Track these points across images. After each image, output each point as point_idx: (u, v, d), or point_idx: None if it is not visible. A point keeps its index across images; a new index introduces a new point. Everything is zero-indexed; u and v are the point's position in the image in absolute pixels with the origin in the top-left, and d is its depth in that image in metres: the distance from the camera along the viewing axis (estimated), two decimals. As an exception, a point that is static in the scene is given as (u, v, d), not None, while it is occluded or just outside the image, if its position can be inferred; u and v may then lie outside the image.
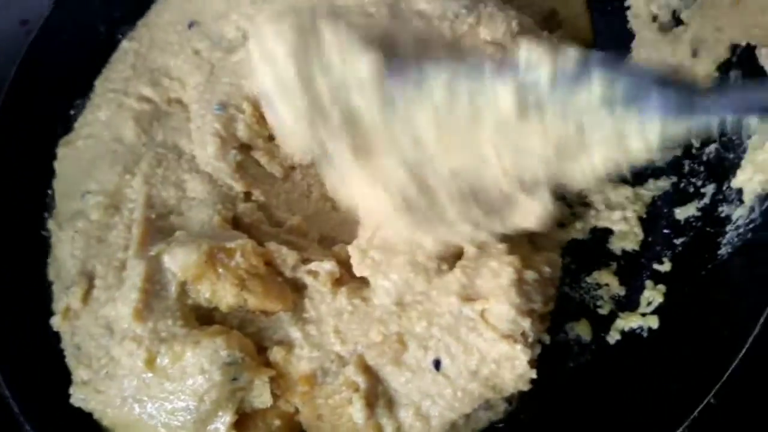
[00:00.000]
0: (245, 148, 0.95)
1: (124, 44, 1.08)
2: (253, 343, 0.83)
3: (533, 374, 0.74)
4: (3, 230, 0.97)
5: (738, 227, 0.80)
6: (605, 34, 0.98)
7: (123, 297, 0.83)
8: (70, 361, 0.87)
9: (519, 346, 0.74)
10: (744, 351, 0.69)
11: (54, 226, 0.97)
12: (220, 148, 0.93)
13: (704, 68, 0.87)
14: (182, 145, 0.97)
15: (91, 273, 0.90)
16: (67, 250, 0.94)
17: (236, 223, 0.91)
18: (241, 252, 0.83)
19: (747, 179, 0.81)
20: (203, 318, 0.84)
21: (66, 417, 0.85)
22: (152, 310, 0.82)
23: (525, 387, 0.75)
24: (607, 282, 0.86)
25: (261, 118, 0.94)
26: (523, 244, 0.83)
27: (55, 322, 0.89)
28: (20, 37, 1.20)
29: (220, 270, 0.82)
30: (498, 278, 0.76)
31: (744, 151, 0.82)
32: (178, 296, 0.83)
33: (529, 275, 0.77)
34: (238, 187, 0.92)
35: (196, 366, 0.79)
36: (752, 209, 0.79)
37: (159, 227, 0.90)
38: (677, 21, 0.93)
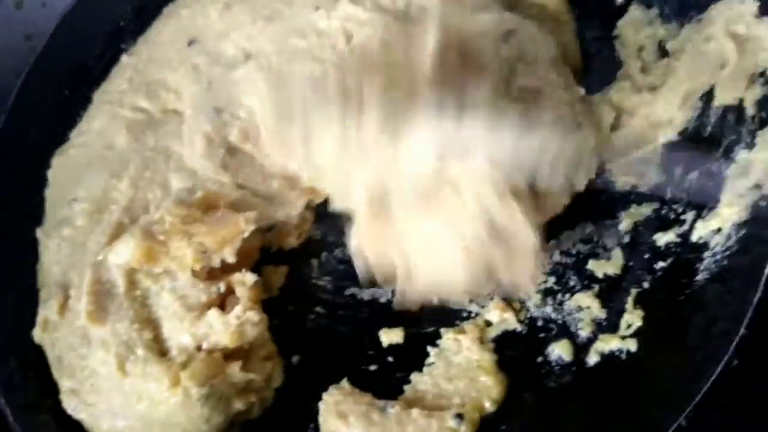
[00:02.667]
0: (234, 150, 0.96)
1: (124, 59, 1.10)
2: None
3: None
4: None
5: (715, 254, 0.82)
6: (594, 61, 1.00)
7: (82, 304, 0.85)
8: (55, 372, 0.89)
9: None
10: (715, 375, 0.71)
11: (42, 235, 0.98)
12: (208, 147, 0.95)
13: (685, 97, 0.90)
14: (173, 146, 0.98)
15: (68, 283, 0.91)
16: (52, 258, 0.95)
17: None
18: (166, 212, 0.85)
19: (725, 206, 0.84)
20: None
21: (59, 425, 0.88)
22: (107, 311, 0.84)
23: None
24: (589, 305, 0.88)
25: (256, 129, 0.95)
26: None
27: (36, 334, 0.91)
28: (25, 52, 1.23)
29: (161, 237, 0.84)
30: None
31: (723, 180, 0.85)
32: (126, 290, 0.85)
33: None
34: (223, 179, 0.94)
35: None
36: (729, 236, 0.81)
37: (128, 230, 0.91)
38: (663, 52, 0.96)
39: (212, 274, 0.87)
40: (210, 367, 0.81)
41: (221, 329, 0.83)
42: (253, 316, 0.84)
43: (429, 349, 0.89)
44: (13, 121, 1.07)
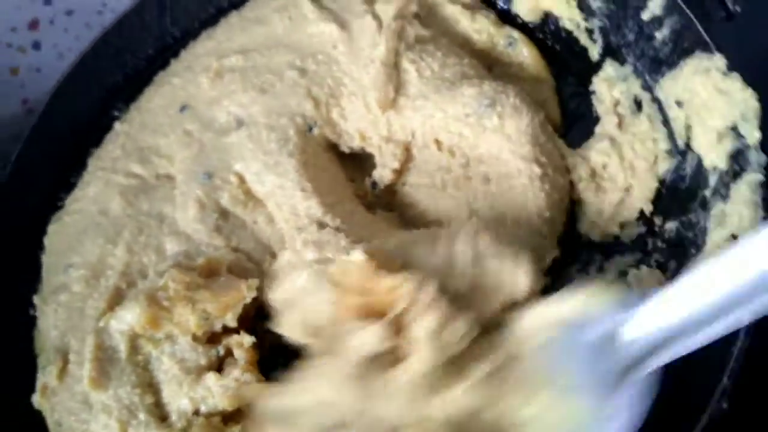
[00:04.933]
0: (226, 214, 0.98)
1: (116, 126, 1.13)
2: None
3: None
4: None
5: (697, 302, 0.85)
6: (572, 117, 1.04)
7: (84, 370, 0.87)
8: None
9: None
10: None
11: (39, 301, 1.00)
12: (200, 211, 0.96)
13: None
14: (166, 211, 1.00)
15: (67, 348, 0.93)
16: (50, 323, 0.97)
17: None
18: (171, 279, 0.87)
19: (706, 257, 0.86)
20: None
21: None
22: (109, 377, 0.86)
23: None
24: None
25: (247, 193, 0.98)
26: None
27: (35, 400, 0.92)
28: (21, 117, 1.27)
29: (166, 303, 0.87)
30: None
31: (703, 232, 0.88)
32: (128, 355, 0.87)
33: None
34: (218, 242, 0.96)
35: None
36: (709, 286, 0.84)
37: (127, 294, 0.94)
38: (638, 106, 0.99)
39: (212, 337, 0.89)
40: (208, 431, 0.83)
41: (219, 392, 0.84)
42: (251, 377, 0.86)
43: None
44: (11, 186, 1.09)
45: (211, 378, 0.85)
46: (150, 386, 0.87)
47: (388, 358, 0.69)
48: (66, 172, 1.12)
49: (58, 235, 1.05)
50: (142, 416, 0.85)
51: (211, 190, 0.98)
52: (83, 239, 1.01)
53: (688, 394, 0.78)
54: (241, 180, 0.99)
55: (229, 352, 0.89)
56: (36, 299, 1.01)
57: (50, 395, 0.92)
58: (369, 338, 0.69)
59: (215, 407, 0.85)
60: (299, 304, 0.77)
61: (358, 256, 0.72)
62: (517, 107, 0.94)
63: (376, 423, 0.68)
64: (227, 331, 0.89)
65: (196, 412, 0.85)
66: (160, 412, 0.86)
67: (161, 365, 0.87)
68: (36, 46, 1.31)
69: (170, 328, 0.87)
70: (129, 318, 0.87)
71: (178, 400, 0.86)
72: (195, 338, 0.87)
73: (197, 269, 0.91)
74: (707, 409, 0.75)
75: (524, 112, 0.94)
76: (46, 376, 0.92)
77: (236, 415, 0.86)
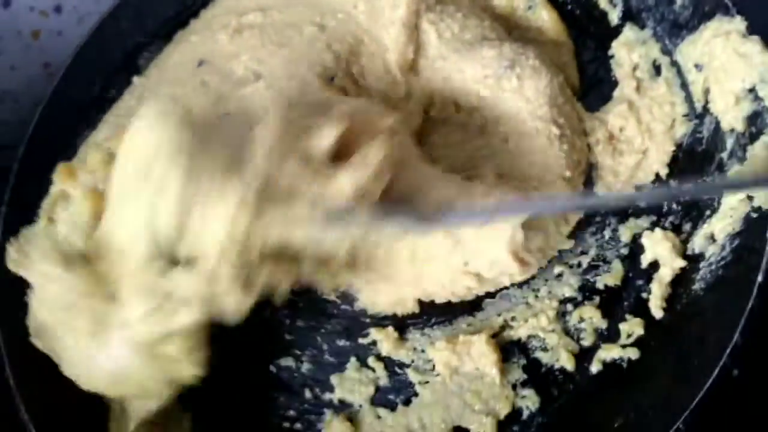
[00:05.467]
0: None
1: (135, 80, 1.13)
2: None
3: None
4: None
5: (710, 264, 0.85)
6: (591, 81, 1.04)
7: None
8: None
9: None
10: (710, 381, 0.74)
11: None
12: None
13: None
14: None
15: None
16: None
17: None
18: None
19: (720, 219, 0.87)
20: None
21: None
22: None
23: None
24: (591, 315, 0.91)
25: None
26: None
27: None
28: (43, 80, 1.28)
29: None
30: None
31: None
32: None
33: None
34: None
35: None
36: (723, 247, 0.85)
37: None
38: (657, 70, 0.99)
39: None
40: None
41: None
42: None
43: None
44: (32, 149, 1.11)
45: None
46: None
47: None
48: (88, 133, 1.13)
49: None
50: None
51: None
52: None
53: (702, 352, 0.79)
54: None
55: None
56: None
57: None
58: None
59: None
60: None
61: None
62: (537, 68, 0.94)
63: None
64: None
65: None
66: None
67: None
68: (57, 9, 1.31)
69: None
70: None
71: None
72: None
73: None
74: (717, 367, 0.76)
75: (543, 73, 0.94)
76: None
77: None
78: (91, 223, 0.87)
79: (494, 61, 0.94)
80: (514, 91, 0.94)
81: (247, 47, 1.05)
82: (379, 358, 0.95)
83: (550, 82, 0.94)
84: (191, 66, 1.09)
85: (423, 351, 0.93)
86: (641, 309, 0.89)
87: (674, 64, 0.97)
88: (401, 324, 0.95)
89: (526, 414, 0.88)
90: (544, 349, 0.91)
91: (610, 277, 0.92)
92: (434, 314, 0.95)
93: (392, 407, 0.92)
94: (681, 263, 0.88)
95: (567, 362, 0.89)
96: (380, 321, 0.96)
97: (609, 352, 0.88)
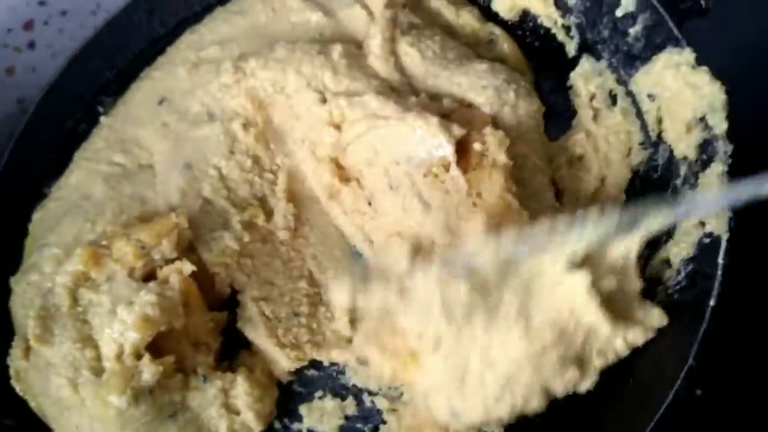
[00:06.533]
0: (209, 202, 1.00)
1: (102, 119, 1.14)
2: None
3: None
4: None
5: (667, 288, 0.88)
6: (550, 111, 1.06)
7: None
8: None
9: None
10: (666, 404, 0.76)
11: (12, 282, 1.00)
12: (183, 199, 0.99)
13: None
14: (148, 195, 1.02)
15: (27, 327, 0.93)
16: (19, 304, 0.97)
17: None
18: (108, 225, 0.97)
19: (674, 244, 0.89)
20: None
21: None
22: (52, 332, 0.89)
23: None
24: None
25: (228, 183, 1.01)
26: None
27: (16, 387, 0.94)
28: (17, 115, 1.29)
29: (104, 243, 0.93)
30: None
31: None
32: (69, 308, 0.90)
33: None
34: None
35: None
36: (678, 272, 0.87)
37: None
38: (613, 100, 1.02)
39: (152, 274, 0.92)
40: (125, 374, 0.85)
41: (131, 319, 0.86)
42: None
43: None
44: (4, 181, 1.11)
45: (123, 311, 0.87)
46: (90, 339, 0.89)
47: None
48: (56, 167, 1.13)
49: (41, 220, 1.06)
50: (85, 372, 0.87)
51: (192, 181, 1.00)
52: (63, 221, 1.01)
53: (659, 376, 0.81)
54: (221, 175, 1.01)
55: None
56: (11, 281, 1.01)
57: (23, 378, 0.93)
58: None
59: (132, 340, 0.86)
60: None
61: None
62: (530, 92, 0.99)
63: None
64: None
65: (120, 354, 0.87)
66: (100, 367, 0.88)
67: (101, 309, 0.89)
68: (31, 45, 1.33)
69: (111, 266, 0.90)
70: (70, 267, 0.91)
71: (109, 347, 0.87)
72: (133, 274, 0.90)
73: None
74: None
75: (535, 97, 0.99)
76: (14, 360, 0.93)
77: (164, 346, 0.89)
78: None
79: (489, 74, 0.98)
80: (513, 107, 0.97)
81: (203, 83, 1.07)
82: (347, 387, 0.96)
83: (539, 108, 0.99)
84: (153, 104, 1.10)
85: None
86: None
87: (629, 94, 1.00)
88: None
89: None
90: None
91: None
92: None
93: (360, 436, 0.93)
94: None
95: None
96: (348, 351, 0.97)
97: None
